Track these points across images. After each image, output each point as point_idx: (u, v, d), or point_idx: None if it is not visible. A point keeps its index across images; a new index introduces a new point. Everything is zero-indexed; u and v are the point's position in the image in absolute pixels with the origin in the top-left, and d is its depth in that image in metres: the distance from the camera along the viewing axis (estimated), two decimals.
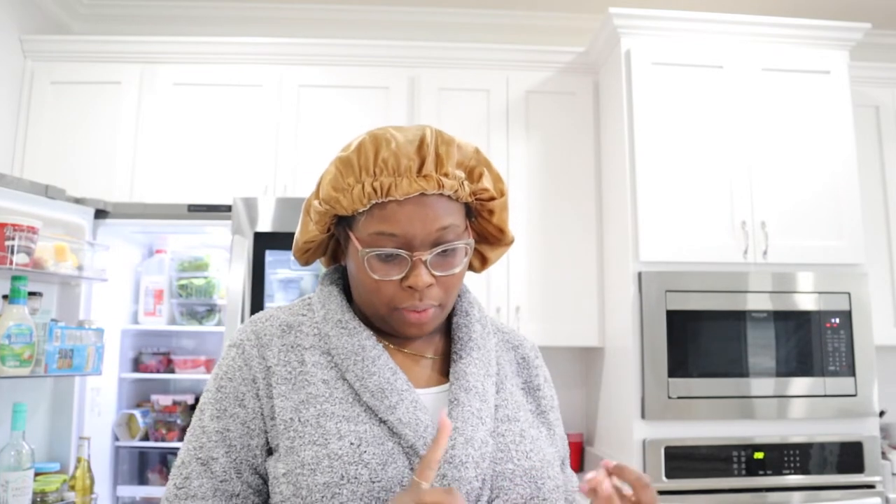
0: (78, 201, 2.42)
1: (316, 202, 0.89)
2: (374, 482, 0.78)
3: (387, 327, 0.90)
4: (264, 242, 2.42)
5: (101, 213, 2.48)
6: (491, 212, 0.92)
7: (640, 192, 2.47)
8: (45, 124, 2.75)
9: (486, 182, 0.88)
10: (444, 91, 2.84)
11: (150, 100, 2.78)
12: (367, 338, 0.88)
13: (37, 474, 2.11)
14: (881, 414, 2.51)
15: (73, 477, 2.16)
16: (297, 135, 2.77)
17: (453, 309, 0.96)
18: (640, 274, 2.43)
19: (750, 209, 2.50)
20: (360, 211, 0.85)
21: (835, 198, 2.55)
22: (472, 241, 0.89)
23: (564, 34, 3.26)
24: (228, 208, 2.48)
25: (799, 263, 2.49)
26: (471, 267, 0.99)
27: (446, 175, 0.84)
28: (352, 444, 0.80)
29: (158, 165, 2.73)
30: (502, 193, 0.91)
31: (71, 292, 2.42)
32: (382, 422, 0.82)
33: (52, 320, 2.17)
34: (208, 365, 2.77)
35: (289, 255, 2.68)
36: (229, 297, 2.35)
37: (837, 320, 2.45)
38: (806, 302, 2.45)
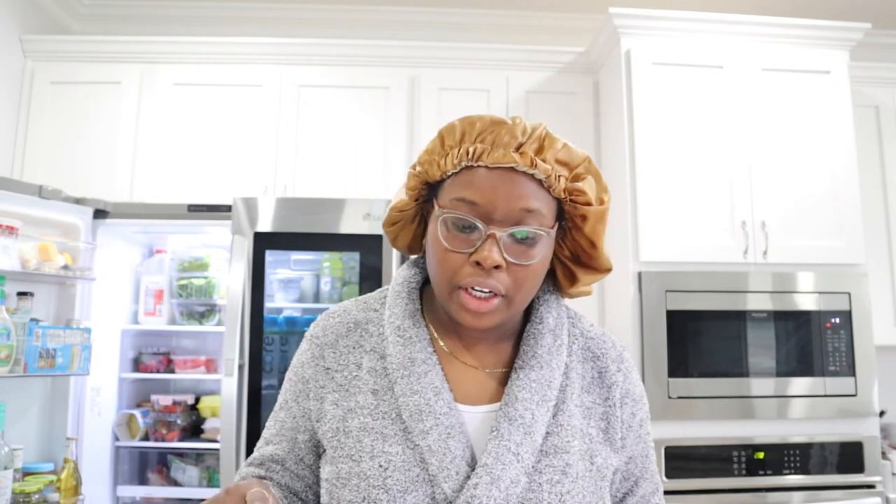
0: (78, 201, 2.42)
1: (412, 169, 0.87)
2: None
3: (450, 317, 0.86)
4: (264, 242, 2.42)
5: (100, 213, 2.48)
6: (584, 217, 0.84)
7: (640, 192, 2.47)
8: (44, 124, 2.75)
9: (587, 187, 0.83)
10: (444, 91, 2.84)
11: (150, 100, 2.78)
12: (420, 349, 0.84)
13: (27, 474, 2.10)
14: (881, 414, 2.51)
15: (59, 478, 2.14)
16: (297, 135, 2.77)
17: (528, 315, 0.90)
18: (640, 274, 2.43)
19: (750, 209, 2.50)
20: (450, 174, 0.83)
21: (835, 198, 2.55)
22: (553, 233, 0.83)
23: (564, 34, 3.26)
24: (228, 208, 2.48)
25: (799, 263, 2.49)
26: (558, 285, 0.93)
27: (543, 160, 0.80)
28: (381, 465, 0.79)
29: (158, 165, 2.73)
30: (602, 202, 0.84)
31: (66, 292, 2.41)
32: (415, 445, 0.80)
33: (33, 319, 2.14)
34: (208, 365, 2.77)
35: (289, 255, 2.68)
36: (229, 297, 2.35)
37: (837, 320, 2.45)
38: (806, 302, 2.45)
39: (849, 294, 2.47)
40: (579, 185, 0.82)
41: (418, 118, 2.81)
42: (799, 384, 2.40)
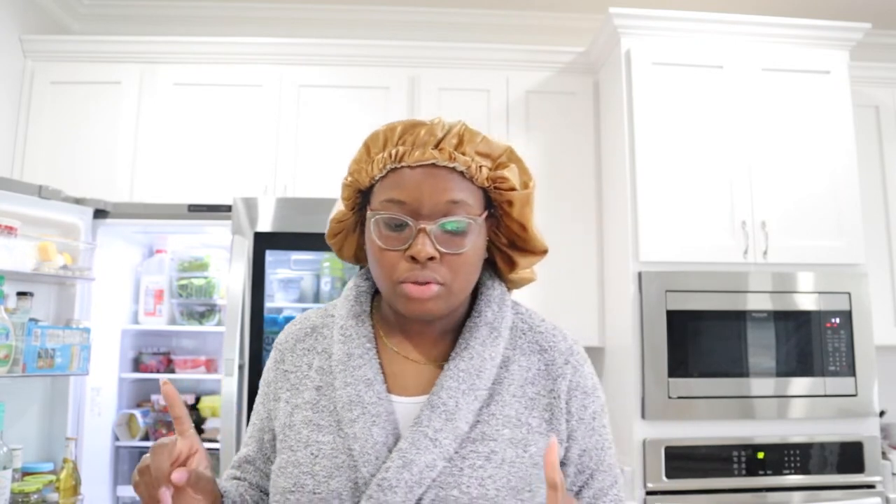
0: (78, 201, 2.42)
1: (344, 179, 0.93)
2: (315, 493, 0.82)
3: (397, 315, 0.92)
4: (264, 242, 2.42)
5: (101, 213, 2.48)
6: (511, 203, 0.88)
7: (640, 192, 2.47)
8: (44, 124, 2.75)
9: (510, 174, 0.88)
10: (444, 91, 2.84)
11: (150, 100, 2.78)
12: (359, 345, 0.89)
13: (26, 474, 2.10)
14: (881, 414, 2.51)
15: (58, 478, 2.13)
16: (297, 135, 2.77)
17: (469, 310, 0.94)
18: (640, 274, 2.43)
19: (750, 209, 2.50)
20: (377, 178, 0.88)
21: (835, 198, 2.55)
22: (481, 221, 0.87)
23: (564, 34, 3.26)
24: (228, 208, 2.48)
25: (799, 263, 2.49)
26: (500, 273, 0.97)
27: (463, 153, 0.86)
28: (312, 453, 0.84)
29: (158, 165, 2.73)
30: (526, 186, 0.89)
31: (66, 292, 2.41)
32: (345, 434, 0.85)
33: (32, 319, 2.14)
34: (208, 365, 2.77)
35: (289, 255, 2.68)
36: (229, 297, 2.35)
37: (837, 320, 2.45)
38: (806, 302, 2.45)
39: (849, 294, 2.47)
40: (501, 172, 0.87)
41: (418, 118, 2.81)
42: (799, 384, 2.40)
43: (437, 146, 0.85)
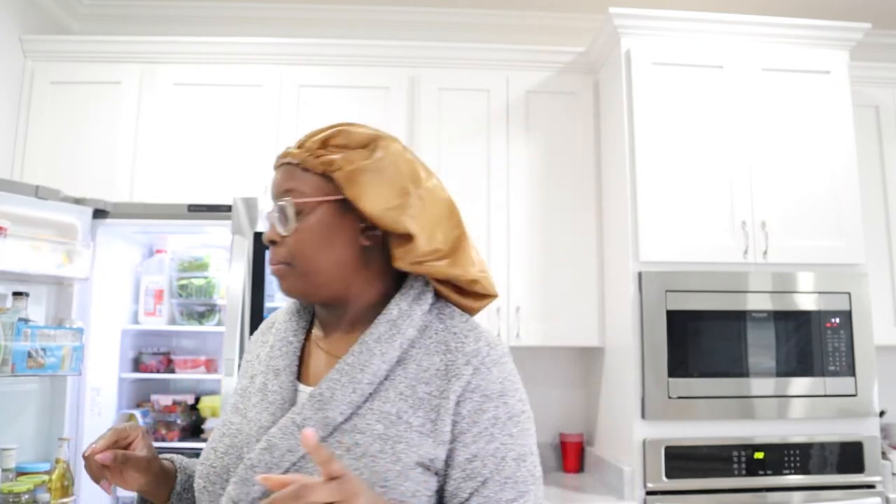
0: (77, 201, 2.42)
1: None
2: (212, 467, 0.91)
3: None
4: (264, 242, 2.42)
5: (100, 213, 2.47)
6: (342, 184, 0.91)
7: (640, 192, 2.48)
8: (44, 124, 2.75)
9: (339, 157, 0.92)
10: (444, 91, 2.84)
11: (150, 100, 2.78)
12: (283, 338, 0.98)
13: (22, 474, 2.09)
14: (881, 414, 2.51)
15: (50, 478, 2.12)
16: (297, 135, 2.76)
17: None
18: (640, 274, 2.43)
19: (750, 209, 2.50)
20: None
21: (835, 198, 2.55)
22: (315, 204, 0.92)
23: (564, 34, 3.26)
24: (228, 208, 2.48)
25: (799, 263, 2.49)
26: (396, 264, 0.96)
27: (300, 147, 0.95)
28: (222, 433, 0.94)
29: (158, 165, 2.73)
30: (350, 163, 0.91)
31: (64, 292, 2.41)
32: (245, 418, 0.94)
33: (21, 319, 2.13)
34: (208, 365, 2.77)
35: None
36: (229, 297, 2.35)
37: (837, 320, 2.45)
38: (806, 302, 2.45)
39: (849, 294, 2.47)
40: (328, 157, 0.92)
41: (418, 118, 2.81)
42: (799, 384, 2.41)
43: (299, 147, 0.95)
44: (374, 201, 0.91)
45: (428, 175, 0.98)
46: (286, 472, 0.84)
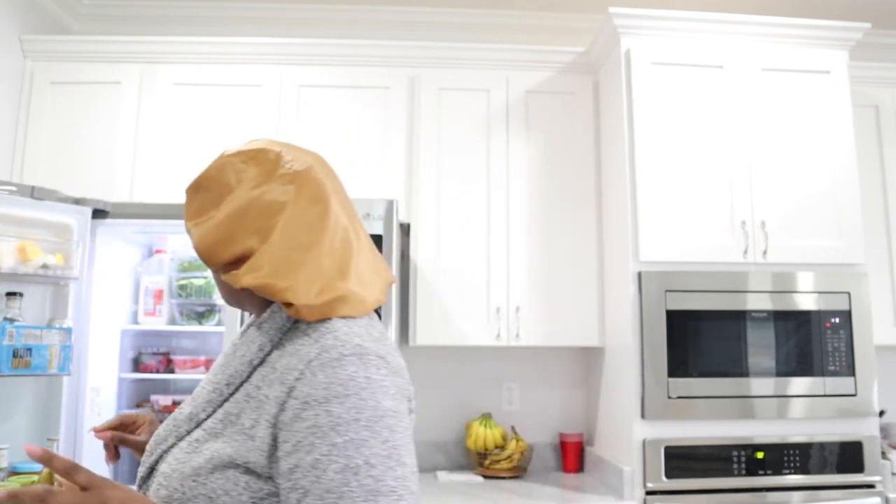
0: (77, 201, 2.42)
1: None
2: (150, 455, 0.96)
3: None
4: None
5: (100, 213, 2.48)
6: None
7: (640, 192, 2.48)
8: (44, 124, 2.75)
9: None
10: (444, 91, 2.84)
11: (150, 100, 2.78)
12: (236, 339, 1.01)
13: (13, 474, 2.09)
14: (881, 414, 2.51)
15: (37, 480, 2.12)
16: (297, 135, 2.77)
17: None
18: (640, 274, 2.43)
19: (750, 209, 2.50)
20: None
21: (835, 198, 2.55)
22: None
23: (564, 34, 3.26)
24: None
25: (799, 263, 2.49)
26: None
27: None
28: (165, 425, 0.99)
29: (158, 165, 2.73)
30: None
31: (61, 292, 2.41)
32: None
33: (7, 319, 2.12)
34: (208, 365, 2.77)
35: None
36: None
37: (837, 320, 2.45)
38: (806, 302, 2.45)
39: (849, 294, 2.47)
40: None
41: (418, 118, 2.81)
42: (799, 384, 2.41)
43: None
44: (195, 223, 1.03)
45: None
46: (159, 458, 0.93)
